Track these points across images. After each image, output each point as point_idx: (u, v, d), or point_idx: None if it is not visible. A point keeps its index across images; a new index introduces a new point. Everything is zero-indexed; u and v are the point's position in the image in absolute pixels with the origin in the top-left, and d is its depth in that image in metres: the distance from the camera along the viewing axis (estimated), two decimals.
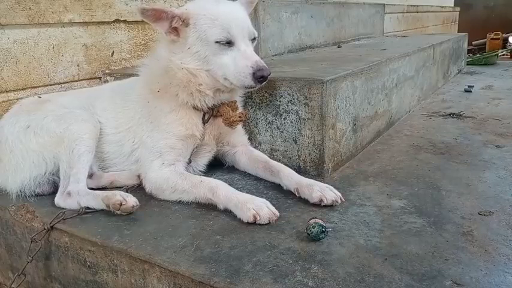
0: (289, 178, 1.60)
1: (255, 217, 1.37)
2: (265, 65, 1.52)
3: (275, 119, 1.84)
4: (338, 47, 3.32)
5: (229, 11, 1.57)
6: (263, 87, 1.79)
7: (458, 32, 9.05)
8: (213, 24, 1.52)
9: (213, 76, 1.57)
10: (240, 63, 1.51)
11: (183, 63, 1.58)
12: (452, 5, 9.32)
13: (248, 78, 1.50)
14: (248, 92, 1.84)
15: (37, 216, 1.53)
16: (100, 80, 2.43)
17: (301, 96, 1.74)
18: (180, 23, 1.54)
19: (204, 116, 1.68)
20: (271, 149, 1.89)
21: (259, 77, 1.50)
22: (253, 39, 1.60)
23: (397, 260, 1.17)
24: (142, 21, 2.56)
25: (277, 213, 1.41)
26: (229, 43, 1.52)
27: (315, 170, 1.79)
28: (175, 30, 1.56)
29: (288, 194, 1.59)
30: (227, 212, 1.45)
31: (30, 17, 2.07)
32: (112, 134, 1.76)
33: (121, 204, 1.44)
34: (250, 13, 1.71)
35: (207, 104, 1.65)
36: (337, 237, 1.30)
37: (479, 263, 1.15)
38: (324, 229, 1.27)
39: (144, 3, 2.62)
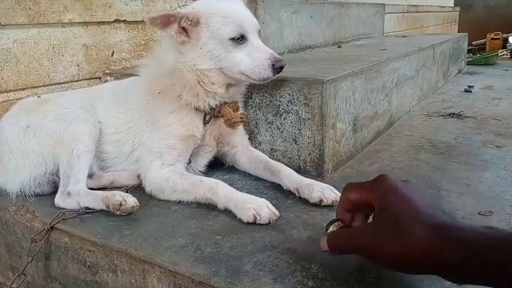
0: (289, 178, 1.60)
1: (255, 217, 1.36)
2: (279, 55, 1.58)
3: (275, 119, 1.84)
4: (338, 47, 3.32)
5: (237, 8, 1.62)
6: (263, 87, 1.79)
7: (458, 32, 9.05)
8: (226, 21, 1.54)
9: (226, 73, 1.59)
10: (257, 57, 1.55)
11: (196, 64, 1.58)
12: (452, 5, 9.32)
13: (268, 70, 1.55)
14: (248, 92, 1.85)
15: (37, 216, 1.53)
16: (100, 80, 2.43)
17: (301, 96, 1.74)
18: (189, 23, 1.54)
19: (205, 116, 1.68)
20: (271, 149, 1.89)
21: (279, 67, 1.55)
22: (259, 33, 1.65)
23: None
24: (142, 21, 2.59)
25: (278, 213, 1.41)
26: (242, 39, 1.56)
27: (315, 170, 1.79)
28: (184, 31, 1.56)
29: (288, 194, 1.59)
30: (227, 212, 1.45)
31: (30, 17, 2.07)
32: (112, 134, 1.76)
33: (121, 205, 1.44)
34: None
35: (209, 105, 1.65)
36: None
37: None
38: None
39: (144, 3, 2.62)
